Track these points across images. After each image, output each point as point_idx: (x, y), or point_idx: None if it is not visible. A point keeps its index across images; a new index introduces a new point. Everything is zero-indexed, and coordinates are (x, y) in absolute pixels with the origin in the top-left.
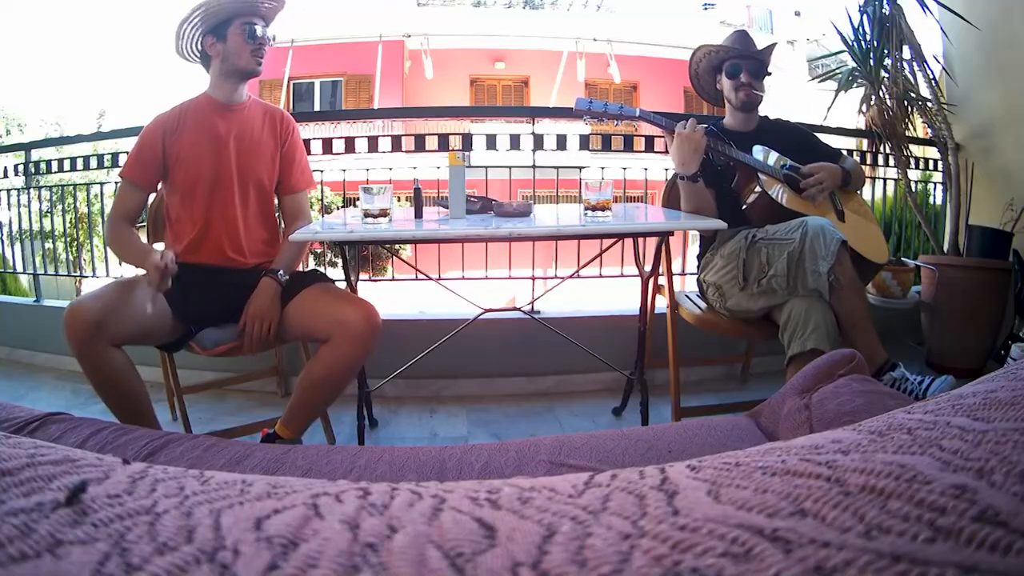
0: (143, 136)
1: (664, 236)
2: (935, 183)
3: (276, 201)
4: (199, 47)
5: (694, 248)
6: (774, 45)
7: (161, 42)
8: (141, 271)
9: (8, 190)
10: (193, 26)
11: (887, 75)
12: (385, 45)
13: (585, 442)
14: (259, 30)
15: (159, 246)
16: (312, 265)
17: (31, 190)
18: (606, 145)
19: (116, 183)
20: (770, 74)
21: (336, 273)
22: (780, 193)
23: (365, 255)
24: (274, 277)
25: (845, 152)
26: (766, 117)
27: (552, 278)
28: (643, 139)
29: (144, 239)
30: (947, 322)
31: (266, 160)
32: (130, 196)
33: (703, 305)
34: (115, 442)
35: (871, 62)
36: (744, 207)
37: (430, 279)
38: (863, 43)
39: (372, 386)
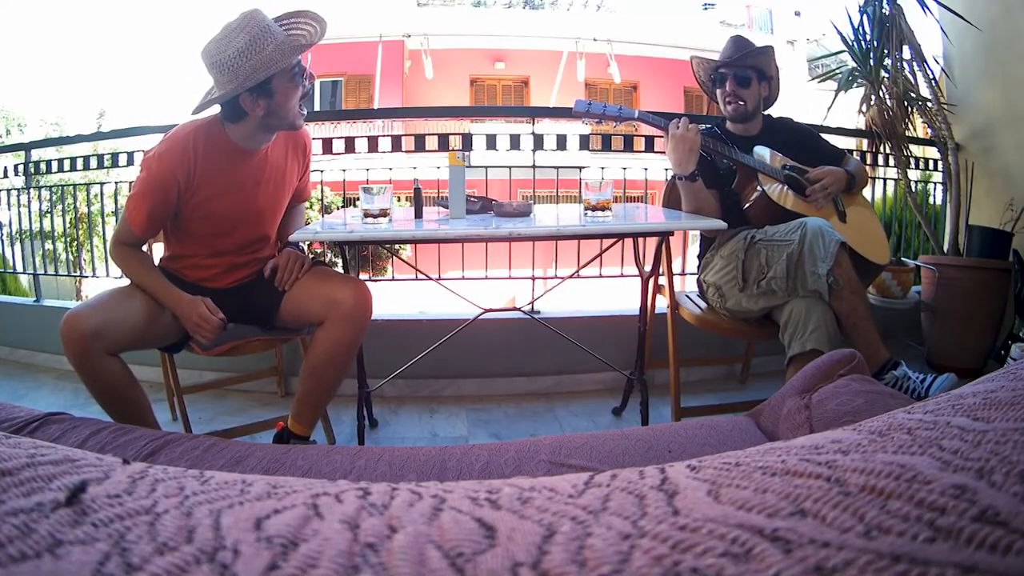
0: (153, 189)
1: (664, 236)
2: (935, 183)
3: None
4: (232, 104)
5: (694, 248)
6: (765, 48)
7: (161, 42)
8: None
9: (8, 190)
10: (228, 92)
11: (887, 75)
12: (385, 45)
13: (585, 442)
14: (304, 77)
15: (157, 246)
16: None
17: (31, 190)
18: (606, 145)
19: (116, 183)
20: (770, 78)
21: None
22: (781, 194)
23: (365, 255)
24: (296, 249)
25: (847, 152)
26: (769, 116)
27: (552, 278)
28: (643, 139)
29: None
30: (947, 322)
31: (290, 191)
32: (135, 238)
33: (703, 305)
34: (115, 442)
35: (871, 62)
36: (745, 208)
37: (430, 279)
38: (863, 43)
39: (372, 386)
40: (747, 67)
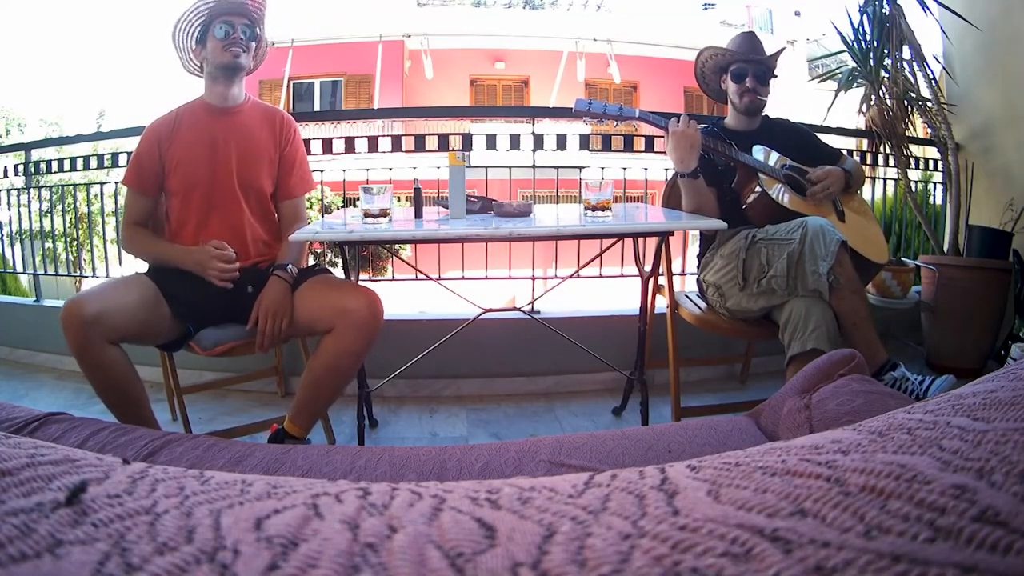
0: (140, 143)
1: (664, 236)
2: (935, 183)
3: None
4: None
5: (694, 248)
6: (782, 50)
7: (160, 42)
8: (141, 269)
9: (8, 190)
10: (185, 39)
11: (887, 75)
12: (385, 45)
13: (585, 442)
14: (230, 28)
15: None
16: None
17: (31, 190)
18: (606, 145)
19: (116, 183)
20: (776, 76)
21: (336, 273)
22: (780, 193)
23: (365, 255)
24: (284, 273)
25: (845, 152)
26: (767, 116)
27: (552, 278)
28: (643, 139)
29: None
30: (947, 322)
31: (264, 165)
32: (136, 202)
33: (703, 305)
34: (115, 442)
35: (871, 62)
36: (744, 207)
37: (430, 279)
38: (863, 43)
39: (372, 386)
40: (769, 66)
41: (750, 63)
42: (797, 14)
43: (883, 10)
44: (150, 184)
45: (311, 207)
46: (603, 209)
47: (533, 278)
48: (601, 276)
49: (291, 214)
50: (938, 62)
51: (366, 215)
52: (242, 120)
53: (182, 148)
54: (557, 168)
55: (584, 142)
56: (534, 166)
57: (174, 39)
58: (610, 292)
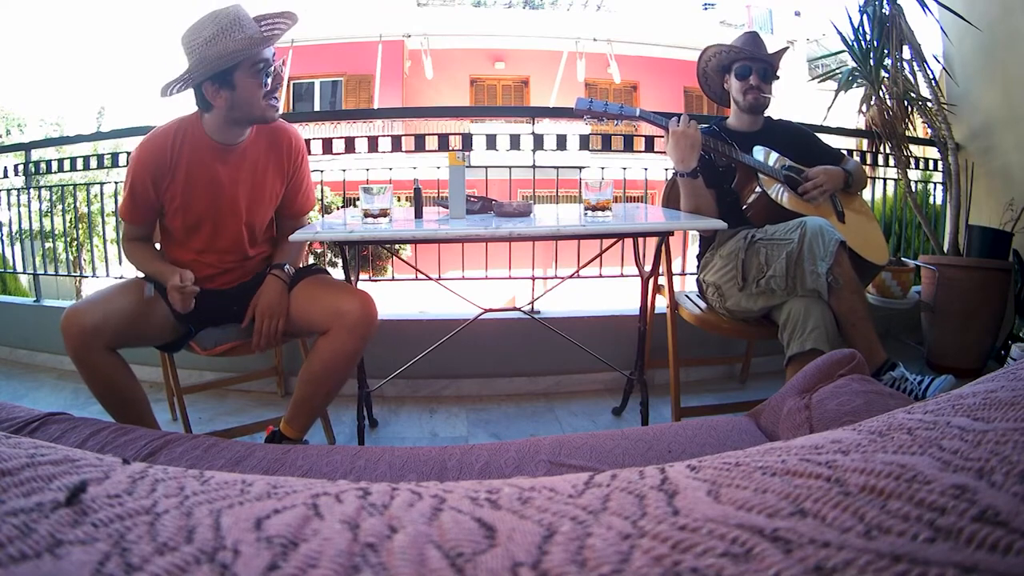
0: (132, 176)
1: (664, 236)
2: (935, 183)
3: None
4: (199, 93)
5: (694, 248)
6: (785, 49)
7: (160, 41)
8: (140, 274)
9: (8, 190)
10: (187, 83)
11: (887, 75)
12: (385, 45)
13: (585, 442)
14: (267, 69)
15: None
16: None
17: (31, 190)
18: (606, 145)
19: (116, 183)
20: (778, 78)
21: (336, 273)
22: (780, 193)
23: (365, 255)
24: (280, 272)
25: (846, 153)
26: (769, 117)
27: (552, 278)
28: (643, 139)
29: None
30: (947, 322)
31: (272, 201)
32: (133, 229)
33: (703, 305)
34: (115, 442)
35: (871, 62)
36: (744, 207)
37: (430, 279)
38: (863, 43)
39: (372, 386)
40: (774, 66)
41: (754, 61)
42: (797, 14)
43: (883, 10)
44: (147, 215)
45: None
46: (603, 209)
47: (533, 278)
48: (601, 276)
49: (293, 229)
50: (938, 62)
51: (366, 215)
52: (250, 158)
53: (183, 191)
54: (557, 168)
55: (584, 142)
56: (534, 166)
57: (178, 82)
58: (610, 292)
